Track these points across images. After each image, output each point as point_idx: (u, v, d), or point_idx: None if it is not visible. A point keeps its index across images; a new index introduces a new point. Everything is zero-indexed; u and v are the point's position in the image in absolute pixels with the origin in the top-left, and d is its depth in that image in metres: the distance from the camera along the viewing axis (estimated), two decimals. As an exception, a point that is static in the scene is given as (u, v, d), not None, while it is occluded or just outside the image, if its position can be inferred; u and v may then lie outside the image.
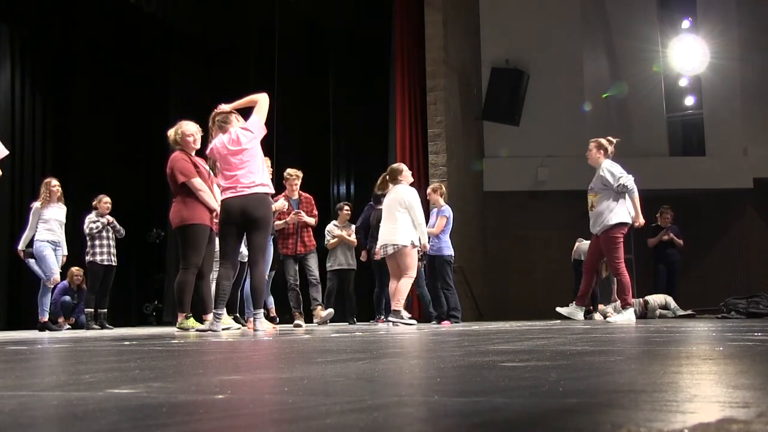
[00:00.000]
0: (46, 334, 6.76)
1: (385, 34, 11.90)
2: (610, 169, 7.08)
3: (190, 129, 6.09)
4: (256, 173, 5.56)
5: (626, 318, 7.02)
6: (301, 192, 7.87)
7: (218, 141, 5.65)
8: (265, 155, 7.47)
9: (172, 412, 1.12)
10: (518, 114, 12.25)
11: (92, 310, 8.45)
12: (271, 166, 7.26)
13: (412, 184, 7.49)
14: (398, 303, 7.04)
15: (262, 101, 5.72)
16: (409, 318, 7.25)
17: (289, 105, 11.43)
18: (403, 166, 7.55)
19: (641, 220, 7.17)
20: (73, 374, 1.87)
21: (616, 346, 2.71)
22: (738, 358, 2.07)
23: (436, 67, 11.29)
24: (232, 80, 11.87)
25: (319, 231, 8.40)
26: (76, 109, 10.77)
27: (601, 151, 7.20)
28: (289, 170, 7.87)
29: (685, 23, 12.89)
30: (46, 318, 8.08)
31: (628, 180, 7.03)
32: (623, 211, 7.04)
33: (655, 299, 9.45)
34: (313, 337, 4.37)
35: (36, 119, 10.35)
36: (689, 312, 9.42)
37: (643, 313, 9.25)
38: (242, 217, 5.51)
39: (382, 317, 8.18)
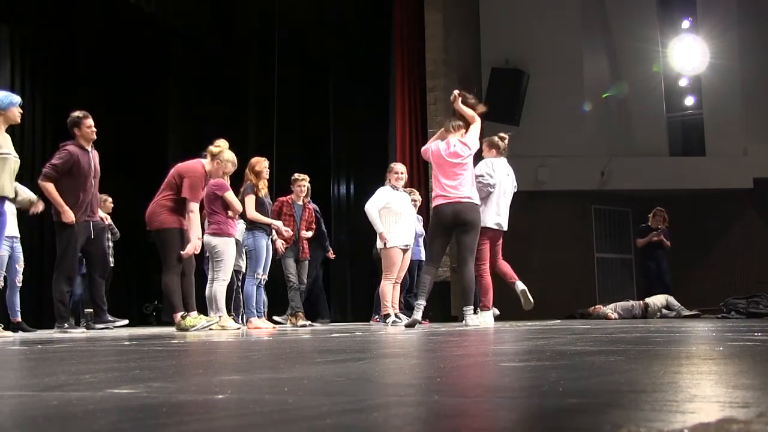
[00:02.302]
0: (43, 334, 6.74)
1: (385, 34, 11.89)
2: (480, 165, 6.72)
3: (231, 159, 6.25)
4: (467, 185, 6.01)
5: (481, 320, 6.43)
6: (305, 201, 7.86)
7: (435, 145, 6.10)
8: (265, 156, 7.51)
9: (172, 412, 1.12)
10: (518, 114, 12.24)
11: (90, 310, 8.37)
12: (270, 167, 7.26)
13: (406, 186, 7.72)
14: (385, 307, 7.30)
15: (479, 121, 6.26)
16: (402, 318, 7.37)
17: (288, 105, 11.43)
18: (394, 167, 7.57)
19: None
20: (73, 374, 1.87)
21: (616, 346, 2.71)
22: (738, 358, 2.07)
23: (436, 67, 11.29)
24: (231, 80, 11.88)
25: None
26: (75, 109, 10.75)
27: (493, 150, 6.94)
28: (300, 174, 7.86)
29: (685, 23, 12.90)
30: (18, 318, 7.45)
31: (486, 181, 6.62)
32: (490, 214, 6.62)
33: (656, 301, 9.41)
34: (313, 337, 4.37)
35: (36, 119, 10.34)
36: (694, 312, 9.34)
37: (644, 316, 9.23)
38: (453, 221, 5.94)
39: (377, 317, 8.22)
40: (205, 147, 6.32)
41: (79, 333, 6.12)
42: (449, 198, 5.93)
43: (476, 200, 6.11)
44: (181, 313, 5.91)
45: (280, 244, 7.42)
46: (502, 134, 7.17)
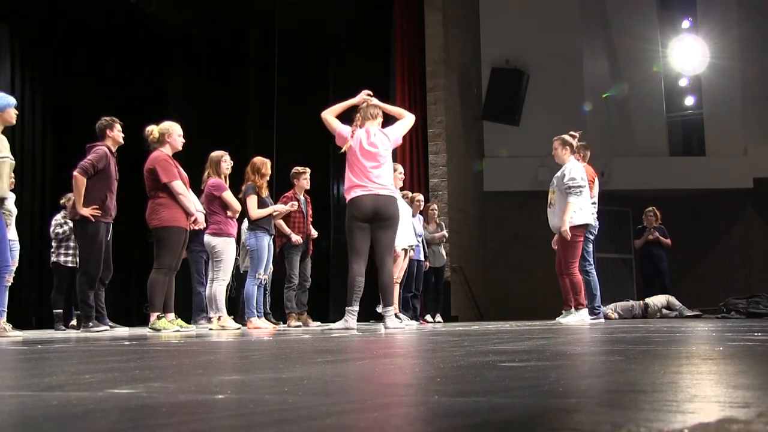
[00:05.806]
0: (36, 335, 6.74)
1: (385, 34, 11.89)
2: (574, 170, 6.82)
3: (180, 129, 6.20)
4: (386, 176, 5.69)
5: (578, 319, 6.78)
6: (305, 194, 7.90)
7: (358, 132, 5.71)
8: (264, 155, 7.50)
9: (172, 412, 1.12)
10: (518, 114, 12.25)
11: (60, 311, 8.24)
12: (271, 168, 7.25)
13: (402, 188, 7.74)
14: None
15: (409, 118, 6.03)
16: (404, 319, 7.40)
17: (288, 105, 11.43)
18: (397, 167, 7.54)
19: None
20: (73, 374, 1.87)
21: (616, 346, 2.71)
22: (738, 358, 2.07)
23: (436, 67, 11.29)
24: (232, 80, 11.88)
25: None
26: (76, 109, 10.76)
27: (567, 148, 6.92)
28: (301, 167, 7.86)
29: (685, 23, 12.91)
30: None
31: (579, 184, 6.77)
32: (587, 213, 6.88)
33: (656, 301, 9.41)
34: (313, 337, 4.37)
35: (36, 119, 10.34)
36: (696, 312, 9.34)
37: (644, 316, 9.23)
38: (372, 215, 5.57)
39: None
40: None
41: (101, 331, 6.13)
42: (368, 189, 5.56)
43: (396, 194, 5.81)
44: (157, 314, 5.96)
45: (296, 237, 7.44)
46: (572, 132, 7.10)
